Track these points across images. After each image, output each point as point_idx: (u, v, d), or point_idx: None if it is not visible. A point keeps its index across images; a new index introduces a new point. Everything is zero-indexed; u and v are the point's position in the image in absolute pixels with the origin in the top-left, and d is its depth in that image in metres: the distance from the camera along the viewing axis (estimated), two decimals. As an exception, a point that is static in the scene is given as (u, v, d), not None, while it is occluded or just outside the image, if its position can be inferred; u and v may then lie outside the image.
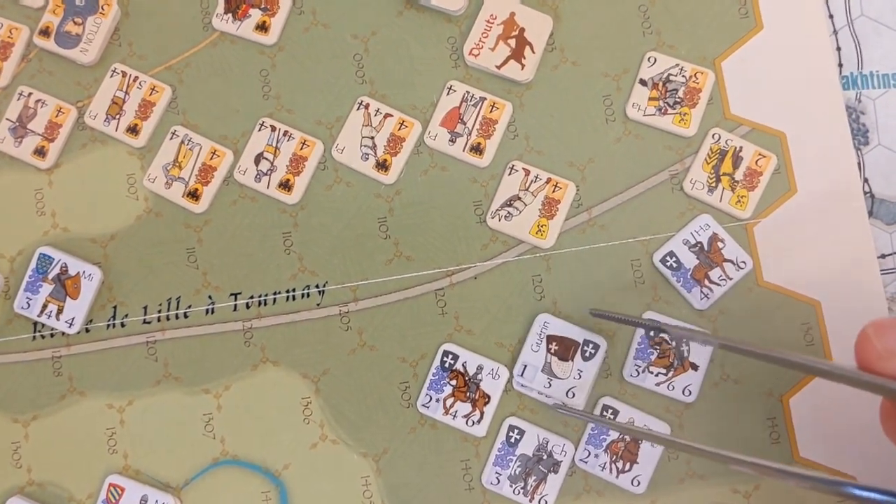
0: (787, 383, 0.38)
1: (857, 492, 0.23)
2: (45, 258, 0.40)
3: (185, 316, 0.40)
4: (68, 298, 0.39)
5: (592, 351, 0.38)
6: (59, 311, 0.39)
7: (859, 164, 0.40)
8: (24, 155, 0.41)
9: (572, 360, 0.38)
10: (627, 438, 0.38)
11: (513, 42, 0.40)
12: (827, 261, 0.39)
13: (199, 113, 0.41)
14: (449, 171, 0.40)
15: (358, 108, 0.40)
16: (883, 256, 0.39)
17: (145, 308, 0.40)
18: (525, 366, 0.38)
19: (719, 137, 0.39)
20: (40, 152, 0.41)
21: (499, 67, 0.40)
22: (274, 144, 0.40)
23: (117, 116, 0.41)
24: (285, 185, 0.40)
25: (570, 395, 0.37)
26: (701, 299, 0.38)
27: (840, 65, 0.41)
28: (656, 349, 0.38)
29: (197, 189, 0.40)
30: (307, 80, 0.41)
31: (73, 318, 0.39)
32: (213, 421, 0.39)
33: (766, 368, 0.38)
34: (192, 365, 0.39)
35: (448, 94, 0.40)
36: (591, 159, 0.40)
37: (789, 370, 0.38)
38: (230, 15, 0.41)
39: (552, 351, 0.38)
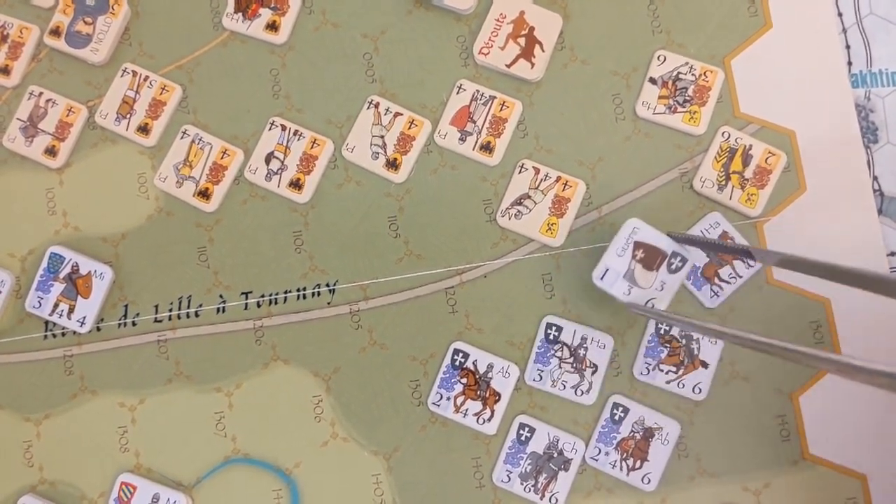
0: (797, 381, 0.38)
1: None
2: (57, 257, 0.40)
3: (197, 315, 0.40)
4: (79, 297, 0.40)
5: (679, 264, 0.36)
6: (71, 310, 0.39)
7: (869, 161, 0.40)
8: (35, 154, 0.41)
9: (657, 271, 0.36)
10: (638, 436, 0.38)
11: (522, 41, 0.40)
12: (836, 258, 0.39)
13: (209, 112, 0.41)
14: (459, 169, 0.40)
15: (368, 108, 0.40)
16: (892, 254, 0.39)
17: (156, 307, 0.40)
18: (607, 269, 0.36)
19: (729, 135, 0.39)
20: (51, 152, 0.41)
21: (508, 66, 0.40)
22: (284, 143, 0.40)
23: (128, 116, 0.41)
24: (296, 184, 0.40)
25: (650, 305, 0.36)
26: (711, 297, 0.38)
27: (849, 63, 0.41)
28: (666, 347, 0.38)
29: (208, 188, 0.40)
30: (317, 79, 0.41)
31: (84, 317, 0.39)
32: (224, 419, 0.39)
33: (775, 366, 0.38)
34: (204, 363, 0.40)
35: (458, 92, 0.40)
36: (600, 158, 0.40)
37: (799, 368, 0.38)
38: (240, 14, 0.41)
39: (638, 258, 0.36)
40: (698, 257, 0.36)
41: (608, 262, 0.36)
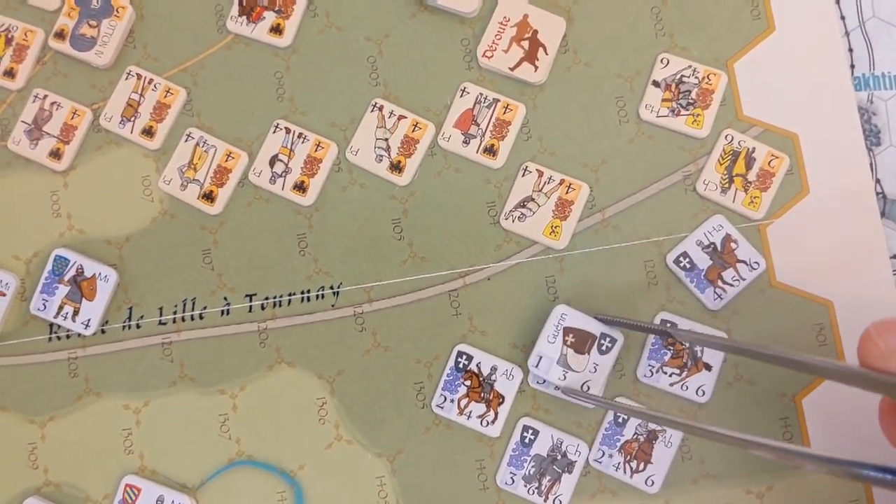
0: (801, 384, 0.38)
1: (873, 473, 0.23)
2: (61, 260, 0.40)
3: (201, 317, 0.40)
4: (84, 300, 0.40)
5: (609, 345, 0.38)
6: (75, 312, 0.40)
7: (871, 164, 0.40)
8: (39, 157, 0.41)
9: (588, 354, 0.38)
10: (642, 438, 0.38)
11: (526, 44, 0.40)
12: (839, 261, 0.39)
13: (213, 115, 0.41)
14: (463, 172, 0.40)
15: (372, 110, 0.41)
16: (895, 257, 0.39)
17: (161, 309, 0.40)
18: (541, 357, 0.38)
19: (732, 138, 0.39)
20: (56, 154, 0.41)
21: (512, 69, 0.40)
22: (289, 146, 0.40)
23: (132, 119, 0.41)
24: (300, 187, 0.40)
25: (585, 388, 0.37)
26: (714, 300, 0.39)
27: (852, 66, 0.41)
28: (670, 349, 0.38)
29: (212, 191, 0.40)
30: (321, 82, 0.41)
31: (88, 320, 0.39)
32: (228, 421, 0.39)
33: (779, 369, 0.38)
34: (208, 366, 0.40)
35: (461, 95, 0.40)
36: (604, 160, 0.40)
37: (802, 370, 0.38)
38: (244, 17, 0.41)
39: (569, 343, 0.38)
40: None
41: (541, 349, 0.38)
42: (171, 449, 0.39)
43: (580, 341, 0.38)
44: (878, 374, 0.26)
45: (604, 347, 0.38)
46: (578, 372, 0.37)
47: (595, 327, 0.38)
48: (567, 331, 0.38)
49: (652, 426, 0.38)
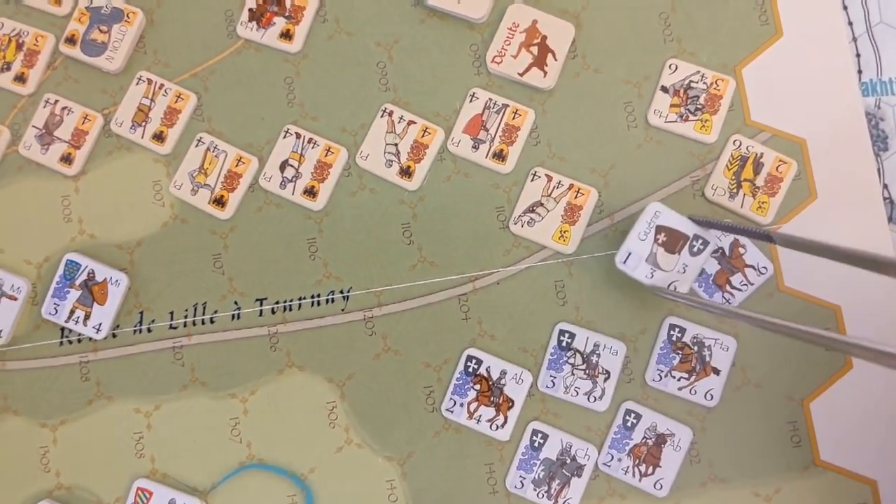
0: (808, 387, 0.38)
1: None
2: (73, 264, 0.40)
3: (212, 321, 0.40)
4: (95, 304, 0.40)
5: (701, 246, 0.37)
6: (87, 316, 0.40)
7: (879, 170, 0.40)
8: (50, 162, 0.41)
9: (679, 254, 0.37)
10: (650, 442, 0.38)
11: (535, 49, 0.40)
12: (847, 266, 0.39)
13: (224, 120, 0.42)
14: (472, 177, 0.41)
15: (382, 116, 0.41)
16: (902, 261, 0.39)
17: (172, 313, 0.40)
18: (629, 253, 0.37)
19: (740, 144, 0.40)
20: (67, 159, 0.41)
21: (521, 75, 0.40)
22: (299, 151, 0.41)
23: (143, 124, 0.41)
24: (310, 192, 0.40)
25: (672, 287, 0.37)
26: (722, 304, 0.39)
27: (859, 71, 0.41)
28: (678, 354, 0.39)
29: (223, 196, 0.41)
30: (331, 87, 0.41)
31: (100, 324, 0.40)
32: (239, 425, 0.39)
33: (786, 373, 0.39)
34: (219, 370, 0.40)
35: (471, 101, 0.41)
36: (612, 165, 0.40)
37: (810, 374, 0.38)
38: (254, 23, 0.42)
39: (660, 242, 0.37)
40: (715, 241, 0.37)
41: (630, 245, 0.36)
42: (183, 452, 0.39)
43: (672, 241, 0.37)
44: None
45: (695, 249, 0.37)
46: (667, 271, 0.36)
47: (689, 228, 0.37)
48: (660, 229, 0.37)
49: (660, 430, 0.38)
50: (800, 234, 0.39)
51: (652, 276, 0.36)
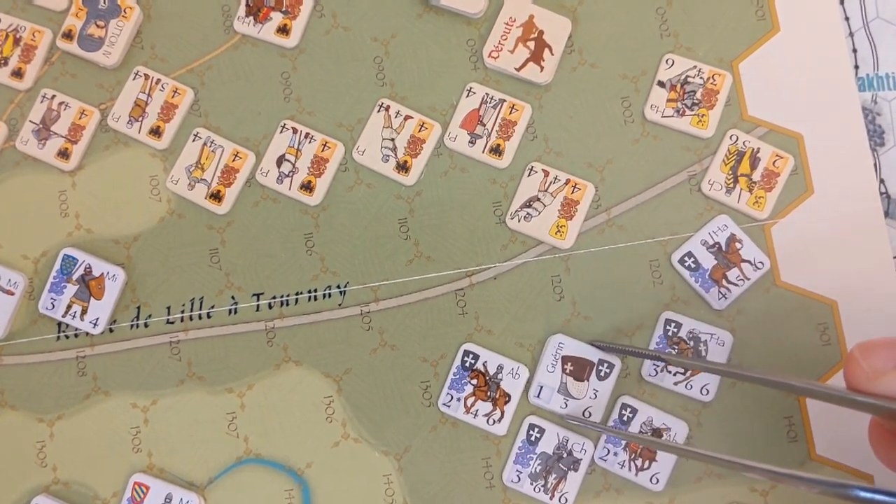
0: (805, 382, 0.38)
1: (863, 494, 0.24)
2: (70, 259, 0.40)
3: (209, 316, 0.40)
4: (92, 299, 0.40)
5: (607, 370, 0.38)
6: (84, 311, 0.40)
7: (875, 165, 0.40)
8: (47, 157, 0.41)
9: (588, 381, 0.38)
10: (646, 437, 0.38)
11: (532, 44, 0.40)
12: (843, 261, 0.39)
13: (221, 115, 0.42)
14: (469, 172, 0.41)
15: (378, 110, 0.41)
16: (899, 256, 0.40)
17: (168, 308, 0.40)
18: (541, 387, 0.38)
19: (737, 139, 0.40)
20: (64, 154, 0.41)
21: (518, 69, 0.40)
22: (295, 146, 0.41)
23: (140, 119, 0.41)
24: (307, 187, 0.40)
25: (587, 414, 0.38)
26: (719, 299, 0.39)
27: (856, 66, 0.41)
28: (674, 349, 0.39)
29: (219, 190, 0.41)
30: (328, 82, 0.41)
31: (97, 319, 0.40)
32: (236, 420, 0.39)
33: (782, 367, 0.39)
34: (216, 364, 0.40)
35: (468, 95, 0.41)
36: (609, 160, 0.40)
37: (806, 369, 0.38)
38: (251, 18, 0.42)
39: (567, 371, 0.38)
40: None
41: (541, 379, 0.38)
42: (180, 447, 0.39)
43: (579, 369, 0.38)
44: (865, 396, 0.27)
45: (602, 373, 0.38)
46: (579, 399, 0.38)
47: (592, 354, 0.38)
48: (565, 359, 0.38)
49: (656, 425, 0.38)
50: (794, 232, 0.39)
51: (566, 406, 0.38)
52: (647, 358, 0.38)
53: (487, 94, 0.41)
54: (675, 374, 0.38)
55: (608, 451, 0.38)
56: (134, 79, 0.42)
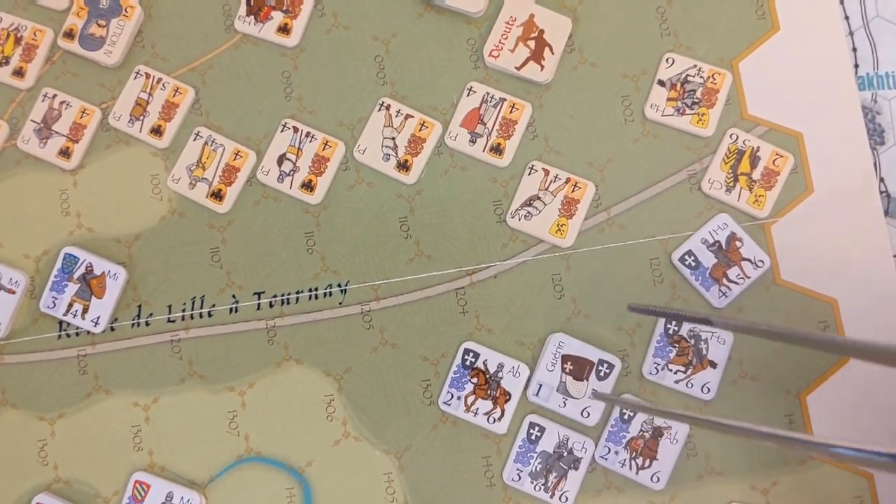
0: (805, 381, 0.39)
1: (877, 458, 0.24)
2: (71, 258, 0.40)
3: (210, 315, 0.40)
4: (93, 298, 0.40)
5: (607, 370, 0.38)
6: (85, 310, 0.40)
7: (875, 163, 0.40)
8: (48, 156, 0.41)
9: (587, 380, 0.38)
10: (647, 435, 0.38)
11: (532, 43, 0.41)
12: (843, 259, 0.39)
13: (222, 114, 0.42)
14: (469, 171, 0.41)
15: (379, 110, 0.41)
16: (899, 255, 0.40)
17: (170, 307, 0.40)
18: (540, 385, 0.38)
19: (737, 137, 0.40)
20: (65, 153, 0.41)
21: (518, 68, 0.40)
22: (296, 145, 0.41)
23: (141, 118, 0.41)
24: (308, 186, 0.40)
25: (585, 414, 0.38)
26: (719, 298, 0.39)
27: (856, 65, 0.41)
28: (675, 347, 0.39)
29: (220, 189, 0.41)
30: (329, 81, 0.41)
31: (98, 317, 0.40)
32: (237, 418, 0.40)
33: (783, 366, 0.39)
34: (217, 363, 0.40)
35: (468, 94, 0.41)
36: (609, 159, 0.40)
37: (807, 368, 0.38)
38: (252, 17, 0.42)
39: (567, 370, 0.38)
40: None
41: (540, 378, 0.38)
42: (181, 446, 0.39)
43: (578, 368, 0.38)
44: None
45: (602, 373, 0.38)
46: (578, 398, 0.38)
47: (593, 354, 0.38)
48: (565, 358, 0.38)
49: (657, 423, 0.38)
50: (794, 231, 0.39)
51: (565, 406, 0.38)
52: (689, 321, 0.35)
53: (488, 93, 0.41)
54: (675, 373, 0.38)
55: (609, 449, 0.38)
56: (135, 78, 0.42)
